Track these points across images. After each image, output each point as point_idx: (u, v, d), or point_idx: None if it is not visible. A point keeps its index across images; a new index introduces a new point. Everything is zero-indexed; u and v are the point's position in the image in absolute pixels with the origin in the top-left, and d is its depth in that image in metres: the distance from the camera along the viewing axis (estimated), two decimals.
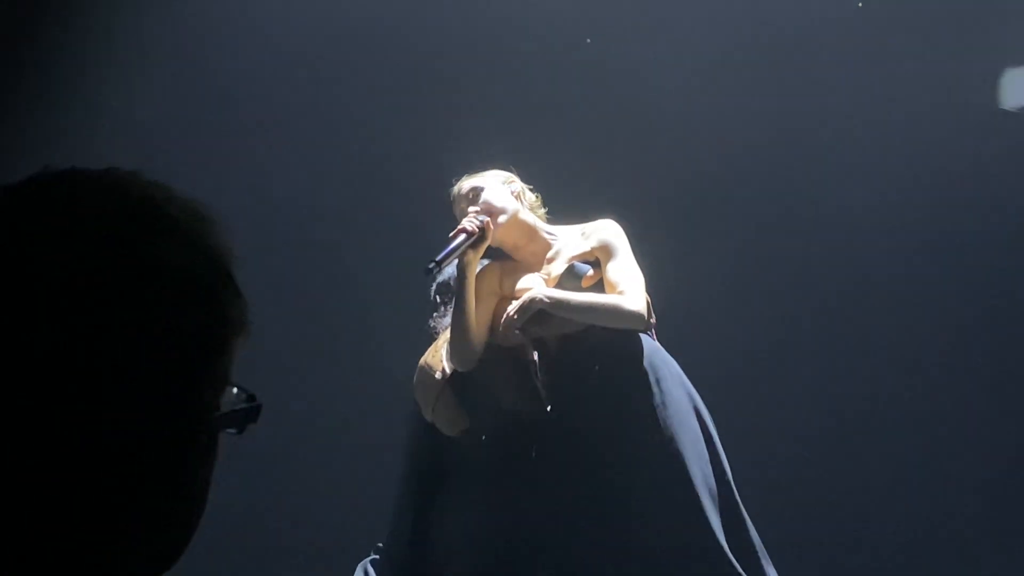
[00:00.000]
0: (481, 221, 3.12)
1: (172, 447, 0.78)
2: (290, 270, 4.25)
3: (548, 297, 3.12)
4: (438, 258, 3.01)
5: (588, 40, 4.39)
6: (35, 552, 0.74)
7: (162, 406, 0.77)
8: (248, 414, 0.84)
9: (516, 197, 3.26)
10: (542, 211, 3.37)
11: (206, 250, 0.81)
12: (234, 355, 0.82)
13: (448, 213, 3.25)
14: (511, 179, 3.32)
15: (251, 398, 0.84)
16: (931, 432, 4.26)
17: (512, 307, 3.14)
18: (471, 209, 3.19)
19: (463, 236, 3.07)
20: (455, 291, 3.18)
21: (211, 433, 0.81)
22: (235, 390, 0.83)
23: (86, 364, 0.74)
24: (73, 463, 0.74)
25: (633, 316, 3.13)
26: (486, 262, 3.31)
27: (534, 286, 3.19)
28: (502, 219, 3.18)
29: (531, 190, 3.36)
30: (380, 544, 3.38)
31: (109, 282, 0.75)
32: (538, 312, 3.12)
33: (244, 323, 0.82)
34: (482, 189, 3.23)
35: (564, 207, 3.42)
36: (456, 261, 3.12)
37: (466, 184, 3.27)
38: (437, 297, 3.46)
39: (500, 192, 3.24)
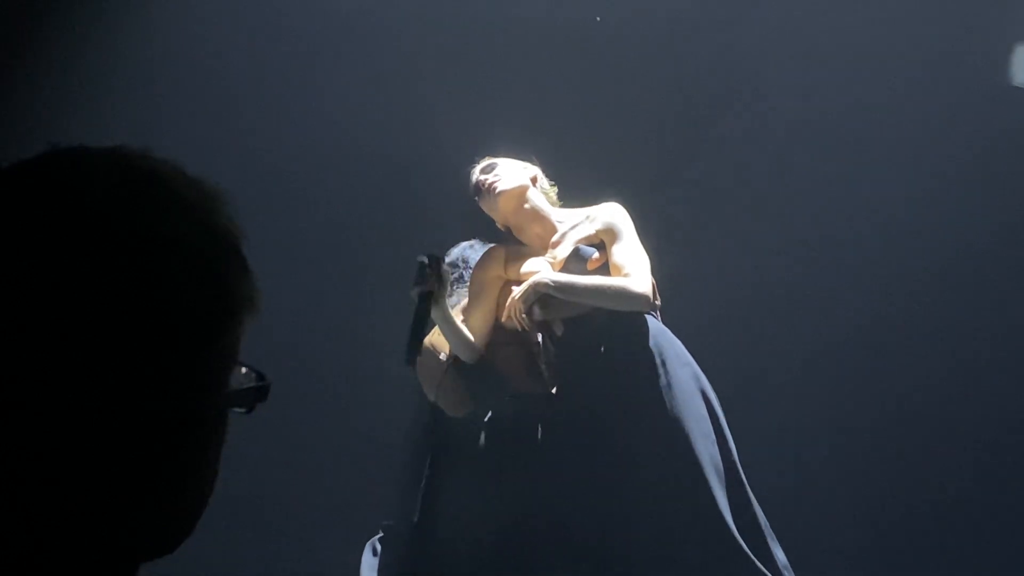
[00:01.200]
0: (427, 261, 3.04)
1: (178, 425, 0.77)
2: (297, 252, 4.25)
3: (554, 281, 3.13)
4: (408, 351, 3.01)
5: (598, 18, 4.37)
6: (41, 531, 0.74)
7: (168, 384, 0.76)
8: (257, 393, 0.83)
9: (532, 181, 3.35)
10: (557, 203, 3.43)
11: (214, 227, 0.80)
12: (242, 334, 0.82)
13: (452, 198, 3.30)
14: (529, 166, 3.40)
15: (260, 377, 0.83)
16: (935, 413, 4.25)
17: (517, 291, 3.15)
18: (481, 178, 3.28)
19: (418, 308, 3.03)
20: (443, 332, 3.17)
21: (218, 412, 0.81)
22: (244, 369, 0.83)
23: (90, 341, 0.73)
24: (78, 442, 0.73)
25: (639, 298, 3.14)
26: (491, 245, 3.36)
27: (540, 270, 3.20)
28: (504, 185, 3.26)
29: (551, 185, 3.43)
30: (387, 523, 3.41)
31: (113, 258, 0.74)
32: (544, 296, 3.13)
33: (253, 301, 0.81)
34: (496, 164, 3.34)
35: (569, 191, 3.45)
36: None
37: (485, 161, 3.37)
38: None
39: (513, 167, 3.35)
